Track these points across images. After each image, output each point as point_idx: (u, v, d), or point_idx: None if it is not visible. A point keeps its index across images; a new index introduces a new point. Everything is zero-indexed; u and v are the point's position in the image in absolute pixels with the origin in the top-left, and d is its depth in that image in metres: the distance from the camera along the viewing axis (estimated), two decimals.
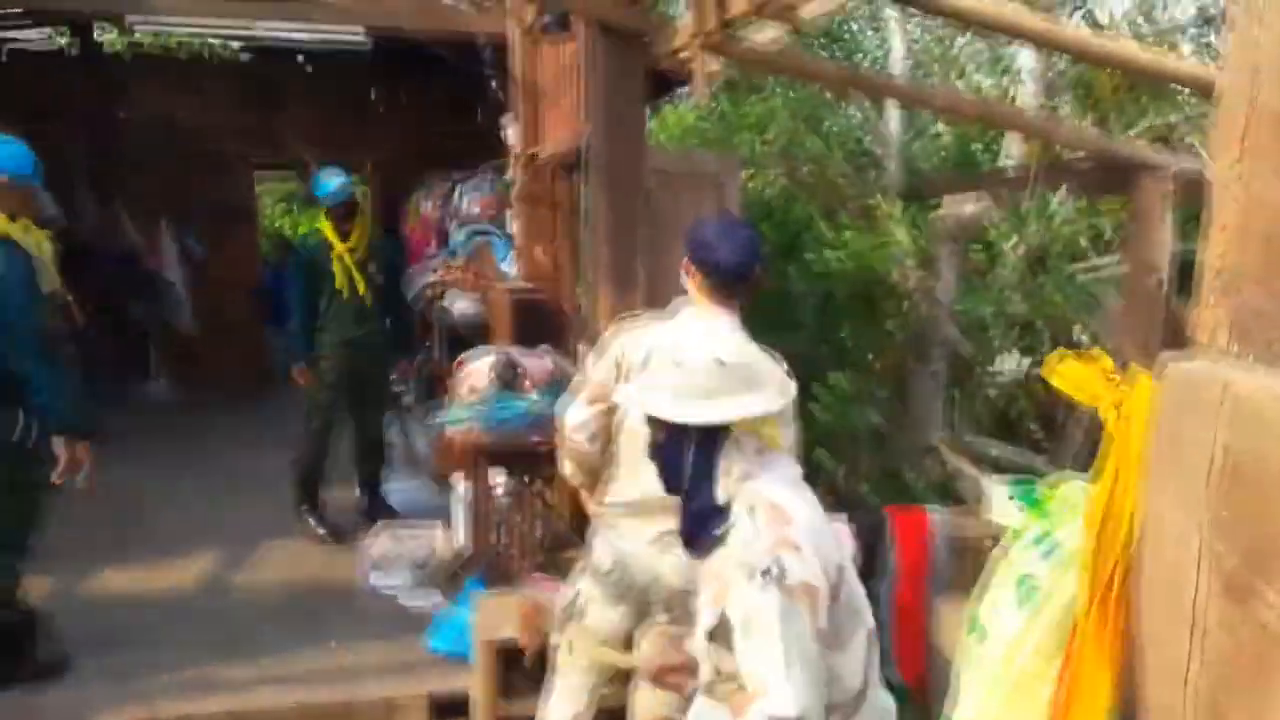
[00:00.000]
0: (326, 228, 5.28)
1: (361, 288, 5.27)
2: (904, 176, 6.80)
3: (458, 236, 7.07)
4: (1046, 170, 5.45)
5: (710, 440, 1.90)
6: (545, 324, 5.38)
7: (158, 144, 9.22)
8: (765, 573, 1.77)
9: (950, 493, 5.41)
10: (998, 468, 5.48)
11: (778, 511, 1.85)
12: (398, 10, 6.86)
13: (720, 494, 1.90)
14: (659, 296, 3.10)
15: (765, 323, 5.49)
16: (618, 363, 2.74)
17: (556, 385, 4.53)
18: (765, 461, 1.93)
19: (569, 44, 5.02)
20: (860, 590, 2.02)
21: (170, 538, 5.33)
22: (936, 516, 3.99)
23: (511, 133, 6.40)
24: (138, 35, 9.58)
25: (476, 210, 7.12)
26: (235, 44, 9.81)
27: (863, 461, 5.92)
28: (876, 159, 7.06)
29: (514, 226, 6.44)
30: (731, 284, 2.60)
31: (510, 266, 6.37)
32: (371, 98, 9.83)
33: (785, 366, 2.51)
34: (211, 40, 9.85)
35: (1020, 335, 6.52)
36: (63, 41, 9.84)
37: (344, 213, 5.26)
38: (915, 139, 7.65)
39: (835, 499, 5.35)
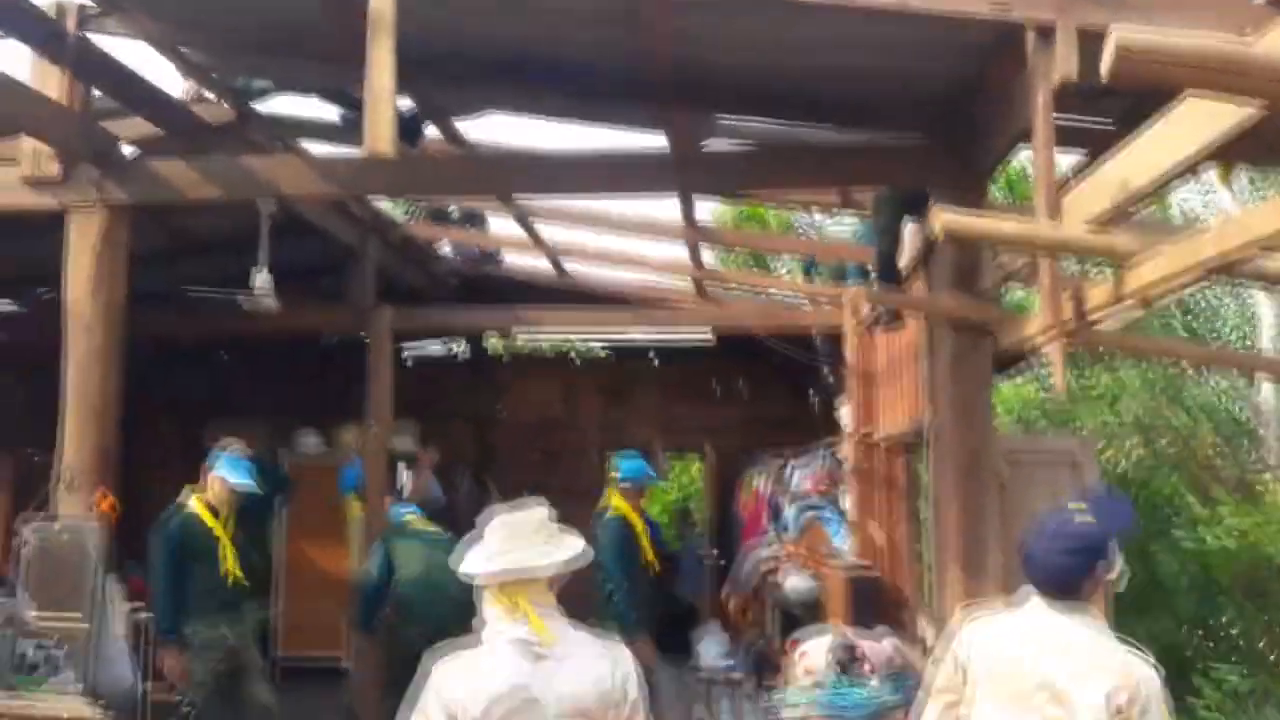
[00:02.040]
0: (625, 507, 5.53)
1: (656, 565, 5.59)
2: None
3: (789, 512, 7.19)
4: None
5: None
6: (881, 603, 5.25)
7: (526, 432, 10.38)
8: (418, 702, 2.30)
9: None
10: None
11: (455, 659, 2.31)
12: (742, 314, 7.60)
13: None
14: (1015, 581, 2.98)
15: (1131, 606, 5.02)
16: (958, 661, 2.63)
17: (898, 674, 4.36)
18: (513, 621, 2.31)
19: (904, 333, 5.20)
20: None
21: None
22: None
23: (845, 414, 6.61)
24: (518, 341, 11.13)
25: (808, 487, 7.25)
26: (600, 349, 11.11)
27: None
28: (1251, 430, 6.50)
29: (848, 504, 6.48)
30: (1053, 592, 2.46)
31: (843, 544, 6.36)
32: (712, 385, 10.53)
33: (1159, 670, 2.32)
34: (577, 344, 11.22)
35: None
36: (457, 349, 11.62)
37: (640, 493, 5.64)
38: None
39: None
